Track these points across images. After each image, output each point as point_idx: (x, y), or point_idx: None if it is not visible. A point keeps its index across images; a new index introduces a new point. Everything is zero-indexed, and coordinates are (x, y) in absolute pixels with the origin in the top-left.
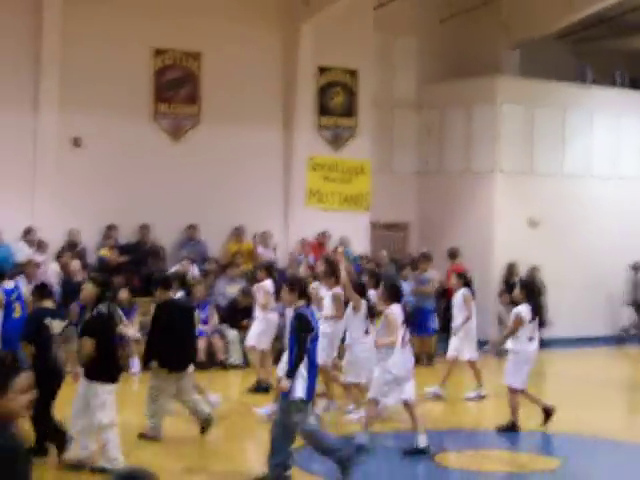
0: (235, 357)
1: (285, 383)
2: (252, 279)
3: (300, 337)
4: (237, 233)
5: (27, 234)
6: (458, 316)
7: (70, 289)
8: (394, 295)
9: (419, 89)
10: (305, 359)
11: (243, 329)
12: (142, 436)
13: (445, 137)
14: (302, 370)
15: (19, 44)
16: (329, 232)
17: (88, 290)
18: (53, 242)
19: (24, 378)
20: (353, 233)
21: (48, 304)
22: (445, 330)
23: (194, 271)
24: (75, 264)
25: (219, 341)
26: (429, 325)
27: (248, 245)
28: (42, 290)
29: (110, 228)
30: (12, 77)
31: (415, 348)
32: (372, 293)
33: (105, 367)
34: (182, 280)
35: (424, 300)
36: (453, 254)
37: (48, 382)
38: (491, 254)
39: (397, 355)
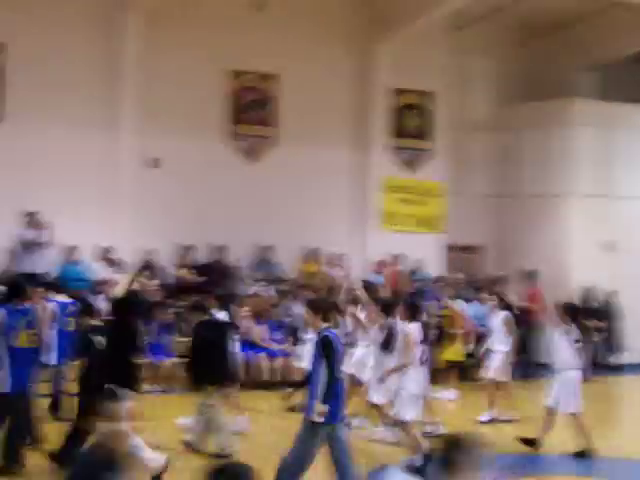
0: None
1: (322, 408)
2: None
3: (329, 361)
4: (312, 254)
5: (105, 253)
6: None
7: (146, 308)
8: (413, 314)
9: (495, 111)
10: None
11: None
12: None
13: (521, 159)
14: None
15: (100, 67)
16: (404, 254)
17: None
18: (131, 262)
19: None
20: (428, 255)
21: (94, 321)
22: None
23: (270, 292)
24: (152, 284)
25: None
26: None
27: (322, 267)
28: (88, 308)
29: (187, 248)
30: (93, 99)
31: None
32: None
33: None
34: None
35: None
36: (532, 276)
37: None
38: (566, 277)
39: (412, 373)
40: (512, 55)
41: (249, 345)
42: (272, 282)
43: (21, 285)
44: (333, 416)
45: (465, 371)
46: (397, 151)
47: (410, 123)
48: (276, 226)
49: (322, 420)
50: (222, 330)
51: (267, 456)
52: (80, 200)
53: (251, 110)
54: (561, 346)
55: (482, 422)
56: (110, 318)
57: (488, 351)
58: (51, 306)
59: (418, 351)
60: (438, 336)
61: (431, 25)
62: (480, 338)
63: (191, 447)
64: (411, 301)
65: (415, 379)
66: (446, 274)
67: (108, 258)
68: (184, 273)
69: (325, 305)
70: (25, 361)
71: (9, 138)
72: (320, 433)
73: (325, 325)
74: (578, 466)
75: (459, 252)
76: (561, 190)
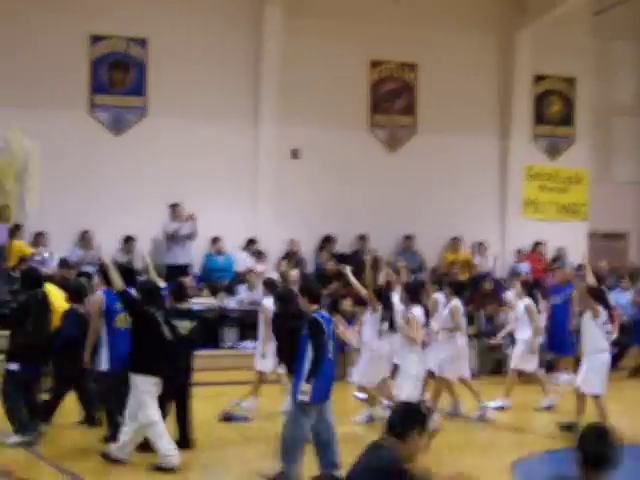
0: None
1: (306, 387)
2: (471, 289)
3: (316, 342)
4: (454, 243)
5: (249, 244)
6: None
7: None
8: (416, 297)
9: (639, 95)
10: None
11: None
12: None
13: None
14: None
15: (240, 59)
16: (546, 242)
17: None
18: (273, 252)
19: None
20: (571, 243)
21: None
22: None
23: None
24: (294, 274)
25: None
26: None
27: (465, 255)
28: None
29: (328, 238)
30: (234, 91)
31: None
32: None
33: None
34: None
35: None
36: None
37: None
38: None
39: (415, 355)
40: None
41: None
42: (413, 271)
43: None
44: (318, 395)
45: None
46: (538, 138)
47: (551, 109)
48: (419, 215)
49: (307, 399)
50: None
51: None
52: (223, 192)
53: (390, 99)
54: (590, 329)
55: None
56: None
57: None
58: None
59: (422, 334)
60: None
61: (573, 9)
62: (622, 327)
63: None
64: (413, 285)
65: (417, 361)
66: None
67: (251, 249)
68: (326, 263)
69: (315, 290)
70: (123, 342)
71: (153, 132)
72: (307, 412)
73: (315, 307)
74: None
75: (602, 240)
76: None
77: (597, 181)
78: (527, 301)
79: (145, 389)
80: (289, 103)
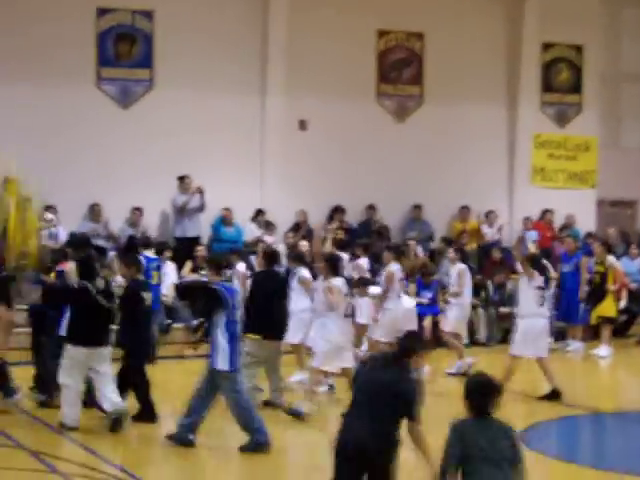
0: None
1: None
2: (480, 258)
3: (221, 313)
4: (463, 212)
5: (257, 215)
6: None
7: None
8: (334, 269)
9: None
10: (225, 332)
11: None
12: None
13: None
14: (223, 343)
15: (246, 31)
16: (554, 210)
17: None
18: (282, 223)
19: None
20: (579, 211)
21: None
22: None
23: (418, 251)
24: (303, 244)
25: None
26: None
27: (474, 224)
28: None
29: (337, 209)
30: (240, 63)
31: None
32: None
33: None
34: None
35: None
36: None
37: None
38: None
39: (336, 324)
40: None
41: None
42: (422, 241)
43: None
44: (230, 364)
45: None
46: (546, 106)
47: (559, 77)
48: (427, 185)
49: (219, 368)
50: (280, 283)
51: None
52: (231, 164)
53: (397, 69)
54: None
55: None
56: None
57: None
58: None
59: (343, 303)
60: (592, 292)
61: None
62: (631, 294)
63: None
64: (331, 257)
65: (339, 329)
66: (596, 230)
67: (260, 220)
68: (334, 233)
69: (219, 261)
70: None
71: (160, 105)
72: (218, 379)
73: (217, 279)
74: None
75: (610, 207)
76: None
77: (605, 148)
78: (460, 266)
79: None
80: (296, 74)
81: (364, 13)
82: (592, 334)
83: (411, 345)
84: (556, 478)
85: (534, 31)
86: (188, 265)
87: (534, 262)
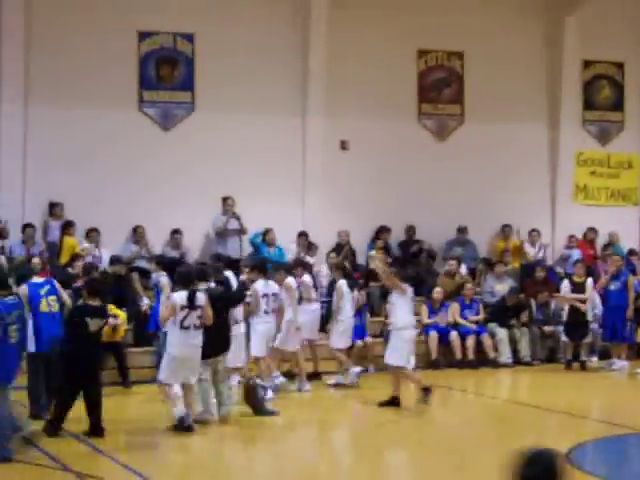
0: (505, 356)
1: None
2: (522, 277)
3: None
4: (505, 231)
5: (300, 237)
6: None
7: None
8: (261, 272)
9: None
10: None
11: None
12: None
13: None
14: None
15: (287, 52)
16: (597, 228)
17: None
18: (323, 243)
19: None
20: (622, 228)
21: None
22: None
23: (462, 270)
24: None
25: (488, 339)
26: None
27: (516, 243)
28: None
29: (382, 229)
30: (281, 84)
31: None
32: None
33: None
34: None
35: None
36: None
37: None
38: None
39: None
40: None
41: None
42: (464, 261)
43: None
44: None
45: None
46: (588, 124)
47: (600, 94)
48: (470, 204)
49: None
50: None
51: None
52: (272, 185)
53: (438, 89)
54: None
55: None
56: None
57: None
58: None
59: (263, 304)
60: (637, 310)
61: None
62: None
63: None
64: (256, 261)
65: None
66: None
67: (302, 242)
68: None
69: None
70: (48, 325)
71: (201, 127)
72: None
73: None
74: None
75: None
76: None
77: None
78: (340, 283)
79: None
80: (337, 95)
81: (404, 33)
82: (637, 353)
83: None
84: None
85: (574, 49)
86: None
87: None
